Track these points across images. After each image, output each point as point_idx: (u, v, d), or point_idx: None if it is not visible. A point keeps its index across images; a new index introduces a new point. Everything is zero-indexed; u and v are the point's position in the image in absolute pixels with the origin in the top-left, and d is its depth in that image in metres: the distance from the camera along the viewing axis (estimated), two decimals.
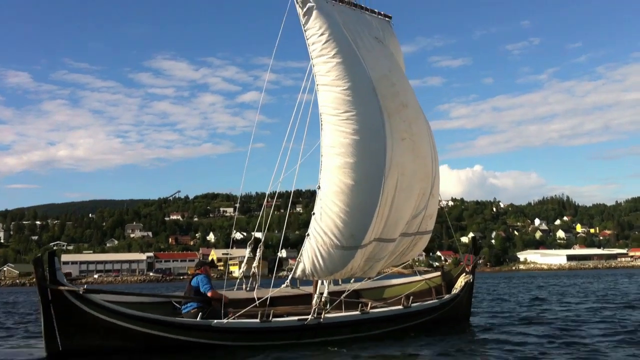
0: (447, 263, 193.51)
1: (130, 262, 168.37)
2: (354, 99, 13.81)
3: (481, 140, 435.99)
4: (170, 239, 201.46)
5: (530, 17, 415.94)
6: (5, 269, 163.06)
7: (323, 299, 13.73)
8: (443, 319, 15.64)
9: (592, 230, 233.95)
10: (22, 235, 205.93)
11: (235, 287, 15.16)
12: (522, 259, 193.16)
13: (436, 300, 15.98)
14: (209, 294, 13.30)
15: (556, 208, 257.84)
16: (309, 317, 13.18)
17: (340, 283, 16.03)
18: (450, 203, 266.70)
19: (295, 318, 13.27)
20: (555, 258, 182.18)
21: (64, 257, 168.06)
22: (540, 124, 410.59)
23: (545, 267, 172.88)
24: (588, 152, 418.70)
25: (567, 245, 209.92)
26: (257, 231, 16.97)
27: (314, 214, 13.95)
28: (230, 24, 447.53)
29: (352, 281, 16.06)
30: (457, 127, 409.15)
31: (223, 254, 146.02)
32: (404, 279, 17.86)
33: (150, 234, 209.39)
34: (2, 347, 13.85)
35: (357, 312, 13.95)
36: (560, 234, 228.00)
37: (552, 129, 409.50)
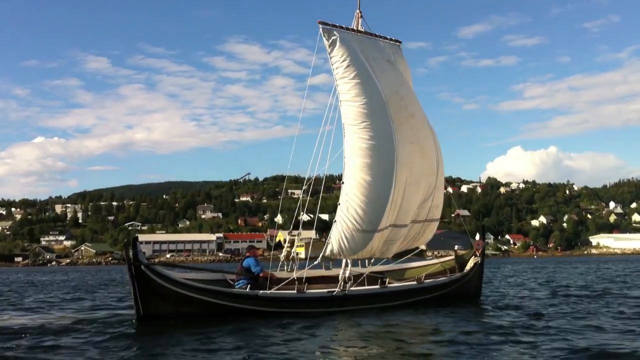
0: (516, 247, 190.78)
1: (200, 242, 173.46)
2: (369, 112, 16.79)
3: (557, 120, 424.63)
4: (239, 220, 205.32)
5: None
6: (82, 248, 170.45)
7: (347, 275, 16.70)
8: (454, 295, 18.02)
9: None
10: (99, 216, 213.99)
11: (278, 268, 17.52)
12: (594, 243, 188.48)
13: (446, 278, 18.43)
14: (261, 275, 16.19)
15: (633, 191, 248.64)
16: (337, 289, 16.21)
17: (367, 265, 18.41)
18: (522, 185, 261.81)
19: (325, 290, 16.34)
20: (630, 242, 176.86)
21: (138, 237, 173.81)
22: (619, 104, 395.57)
23: (618, 251, 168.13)
24: None
25: None
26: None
27: (339, 204, 16.90)
28: (300, 7, 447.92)
29: (372, 261, 18.54)
30: (532, 108, 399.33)
31: (290, 235, 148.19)
32: (422, 262, 20.26)
33: (220, 215, 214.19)
34: (109, 312, 17.01)
35: (377, 286, 16.95)
36: (636, 217, 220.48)
37: (632, 109, 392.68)
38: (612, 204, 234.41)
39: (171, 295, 14.39)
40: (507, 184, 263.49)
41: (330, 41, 16.84)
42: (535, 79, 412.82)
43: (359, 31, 17.93)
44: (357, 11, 18.22)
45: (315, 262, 17.14)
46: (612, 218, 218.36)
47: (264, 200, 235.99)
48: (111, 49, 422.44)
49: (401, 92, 17.74)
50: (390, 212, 17.06)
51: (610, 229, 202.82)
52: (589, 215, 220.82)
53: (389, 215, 17.07)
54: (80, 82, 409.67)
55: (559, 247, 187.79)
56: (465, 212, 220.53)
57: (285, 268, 17.41)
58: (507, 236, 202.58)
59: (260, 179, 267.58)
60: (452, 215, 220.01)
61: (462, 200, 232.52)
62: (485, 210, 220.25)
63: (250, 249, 17.41)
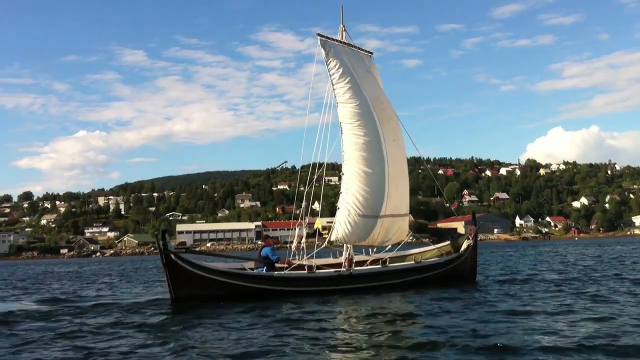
0: (557, 229, 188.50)
1: (240, 231, 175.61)
2: (360, 112, 19.39)
3: (597, 99, 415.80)
4: (277, 209, 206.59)
5: None
6: (125, 239, 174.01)
7: (350, 256, 19.15)
8: (451, 275, 19.60)
9: None
10: (140, 207, 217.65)
11: (290, 257, 18.90)
12: (637, 224, 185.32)
13: (442, 258, 20.19)
14: (278, 263, 17.94)
15: None
16: (343, 269, 18.25)
17: (370, 254, 20.57)
18: (562, 167, 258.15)
19: (333, 270, 18.23)
20: None
21: (179, 227, 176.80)
22: None
23: None
24: None
25: None
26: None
27: (341, 193, 19.46)
28: None
29: (374, 250, 20.73)
30: (571, 87, 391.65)
31: (327, 222, 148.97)
32: (420, 249, 21.74)
33: (258, 203, 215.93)
34: (148, 295, 19.25)
35: (379, 266, 19.01)
36: None
37: None
38: None
39: (198, 279, 16.25)
40: (547, 166, 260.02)
41: (326, 51, 19.29)
42: (573, 58, 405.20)
43: (345, 43, 20.27)
44: (341, 25, 20.37)
45: (322, 246, 19.05)
46: None
47: (301, 188, 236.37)
48: (147, 41, 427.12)
49: (380, 97, 20.42)
50: (389, 201, 19.59)
51: None
52: (631, 195, 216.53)
53: (388, 203, 19.57)
54: (118, 76, 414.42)
55: (600, 229, 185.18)
56: (504, 195, 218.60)
57: (297, 257, 18.82)
58: (547, 218, 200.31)
59: (298, 166, 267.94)
60: (491, 198, 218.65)
61: (500, 183, 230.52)
62: (525, 193, 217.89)
63: (265, 239, 19.06)
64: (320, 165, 20.20)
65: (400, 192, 20.27)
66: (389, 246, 20.55)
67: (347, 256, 19.02)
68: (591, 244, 79.22)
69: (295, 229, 19.56)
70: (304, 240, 18.78)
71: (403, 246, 21.22)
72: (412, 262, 19.71)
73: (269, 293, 16.72)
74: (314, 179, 20.50)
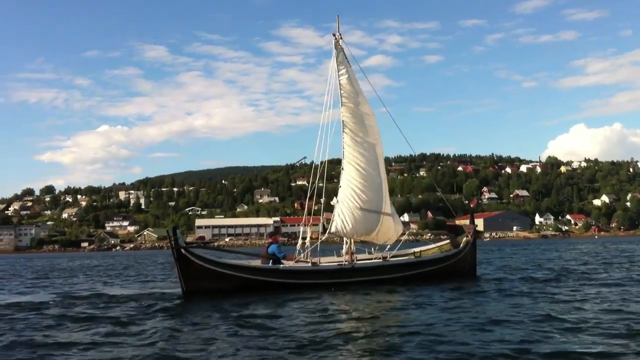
0: (577, 227, 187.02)
1: (258, 226, 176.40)
2: (361, 113, 20.61)
3: (620, 96, 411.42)
4: (295, 204, 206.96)
5: None
6: (145, 233, 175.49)
7: (351, 250, 19.70)
8: (450, 271, 20.15)
9: None
10: (160, 202, 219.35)
11: (296, 254, 19.32)
12: None
13: (441, 253, 20.97)
14: (285, 259, 18.63)
15: None
16: (345, 262, 19.13)
17: (373, 252, 21.02)
18: (583, 164, 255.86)
19: (335, 263, 19.28)
20: None
21: (198, 222, 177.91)
22: None
23: None
24: None
25: None
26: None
27: (340, 186, 20.37)
28: None
29: (377, 248, 21.10)
30: (594, 84, 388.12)
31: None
32: (421, 247, 22.42)
33: (277, 199, 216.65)
34: (159, 288, 19.70)
35: (380, 260, 19.84)
36: None
37: None
38: None
39: (207, 273, 16.98)
40: (568, 163, 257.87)
41: (337, 52, 20.66)
42: (596, 54, 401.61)
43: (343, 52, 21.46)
44: (338, 34, 21.17)
45: (323, 238, 19.80)
46: None
47: (320, 184, 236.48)
48: (168, 37, 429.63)
49: (368, 102, 21.58)
50: (387, 198, 20.65)
51: None
52: None
53: (387, 201, 20.59)
54: (139, 71, 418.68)
55: (621, 227, 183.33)
56: (525, 193, 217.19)
57: (302, 256, 19.22)
58: (567, 216, 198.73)
59: (317, 162, 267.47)
60: (511, 195, 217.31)
61: (520, 180, 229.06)
62: (545, 190, 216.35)
63: (272, 235, 19.81)
64: (331, 161, 20.69)
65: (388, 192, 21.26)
66: (389, 245, 20.98)
67: (347, 250, 19.67)
68: (607, 242, 78.75)
69: (300, 226, 20.16)
70: (308, 238, 19.35)
71: (404, 245, 21.66)
72: (412, 256, 20.51)
73: (275, 286, 17.43)
74: (318, 176, 20.59)
